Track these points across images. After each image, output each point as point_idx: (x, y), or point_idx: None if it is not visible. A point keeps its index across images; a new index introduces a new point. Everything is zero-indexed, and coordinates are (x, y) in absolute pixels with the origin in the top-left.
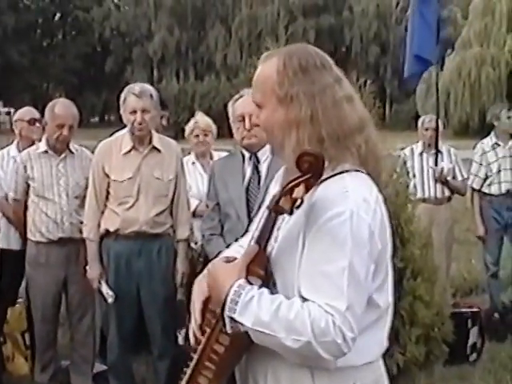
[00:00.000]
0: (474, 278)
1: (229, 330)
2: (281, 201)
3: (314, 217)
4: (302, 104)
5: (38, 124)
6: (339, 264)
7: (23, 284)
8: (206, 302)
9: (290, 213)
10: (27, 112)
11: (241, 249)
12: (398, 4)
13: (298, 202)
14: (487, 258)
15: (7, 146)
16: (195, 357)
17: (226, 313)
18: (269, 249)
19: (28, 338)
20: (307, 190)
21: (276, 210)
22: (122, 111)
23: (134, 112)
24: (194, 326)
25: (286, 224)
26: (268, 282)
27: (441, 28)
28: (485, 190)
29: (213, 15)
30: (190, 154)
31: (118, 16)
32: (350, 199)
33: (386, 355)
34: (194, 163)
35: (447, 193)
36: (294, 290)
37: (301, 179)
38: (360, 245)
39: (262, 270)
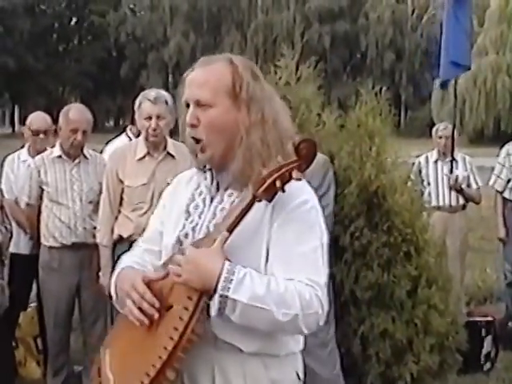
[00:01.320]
0: (489, 286)
1: (214, 312)
2: (276, 183)
3: (280, 204)
4: (264, 106)
5: (42, 136)
6: (313, 243)
7: (34, 288)
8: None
9: (274, 195)
10: (35, 121)
11: (138, 260)
12: (413, 11)
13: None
14: (506, 266)
15: (19, 149)
16: (166, 350)
17: (219, 292)
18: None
19: (40, 343)
20: (300, 172)
21: (267, 192)
22: (136, 117)
23: (149, 118)
24: (141, 301)
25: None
26: None
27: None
28: (506, 195)
29: (228, 21)
30: None
31: (133, 21)
32: (308, 191)
33: (400, 364)
34: None
35: (462, 201)
36: None
37: (297, 163)
38: (323, 229)
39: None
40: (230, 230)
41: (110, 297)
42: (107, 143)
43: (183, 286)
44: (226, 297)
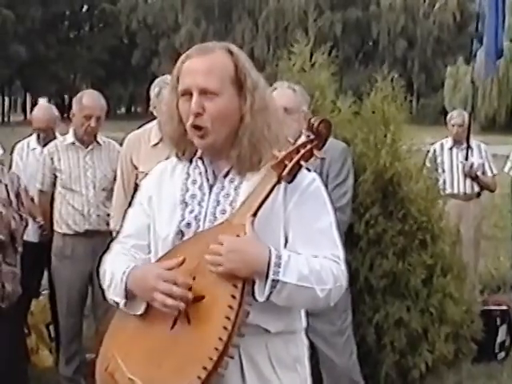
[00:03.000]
0: (502, 274)
1: (264, 297)
2: (302, 162)
3: (292, 186)
4: (264, 92)
5: (42, 134)
6: (328, 219)
7: (46, 276)
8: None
9: (292, 180)
10: (35, 118)
11: (129, 258)
12: None
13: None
14: None
15: (28, 137)
16: (222, 341)
17: (271, 277)
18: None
19: (53, 330)
20: (319, 150)
21: (288, 176)
22: (154, 103)
23: None
24: (171, 287)
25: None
26: None
27: (469, 22)
28: None
29: (240, 8)
30: None
31: (144, 8)
32: (309, 172)
33: (415, 353)
34: None
35: (476, 189)
36: None
37: (315, 142)
38: (331, 206)
39: None
40: (255, 214)
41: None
42: (138, 128)
43: (217, 275)
44: (277, 281)
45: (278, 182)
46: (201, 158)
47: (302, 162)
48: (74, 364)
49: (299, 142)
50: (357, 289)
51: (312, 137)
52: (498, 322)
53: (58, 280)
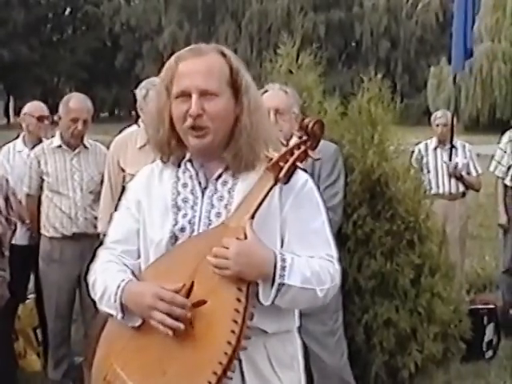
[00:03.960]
0: (488, 274)
1: (270, 300)
2: (298, 163)
3: (287, 188)
4: (256, 95)
5: (46, 121)
6: (321, 220)
7: (32, 279)
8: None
9: (289, 179)
10: (37, 108)
11: (119, 265)
12: None
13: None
14: (505, 254)
15: (13, 140)
16: (231, 345)
17: (277, 280)
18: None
19: (40, 334)
20: (313, 151)
21: (285, 178)
22: (141, 105)
23: None
24: (170, 308)
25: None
26: None
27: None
28: (508, 182)
29: (223, 10)
30: None
31: (127, 11)
32: (302, 172)
33: (404, 353)
34: None
35: (462, 188)
36: None
37: (309, 143)
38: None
39: None
40: (253, 216)
41: None
42: (120, 132)
43: (218, 278)
44: (283, 284)
45: (275, 183)
46: (190, 160)
47: (298, 164)
48: (62, 368)
49: (293, 143)
50: (345, 289)
51: (305, 138)
52: (486, 321)
53: (46, 283)
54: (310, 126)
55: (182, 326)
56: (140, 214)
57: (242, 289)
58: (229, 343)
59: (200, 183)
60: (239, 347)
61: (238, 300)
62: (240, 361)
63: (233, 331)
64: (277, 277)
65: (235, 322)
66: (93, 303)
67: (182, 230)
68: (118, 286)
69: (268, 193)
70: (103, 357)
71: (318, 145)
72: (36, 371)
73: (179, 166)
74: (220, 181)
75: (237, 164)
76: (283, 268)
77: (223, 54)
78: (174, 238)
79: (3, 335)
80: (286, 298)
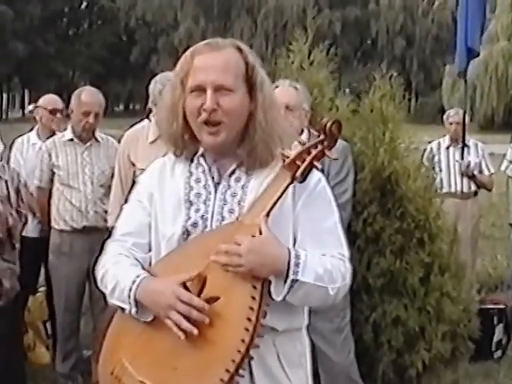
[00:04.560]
0: (500, 273)
1: (282, 297)
2: (315, 162)
3: (300, 186)
4: (271, 92)
5: (59, 115)
6: (333, 219)
7: (43, 273)
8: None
9: (304, 180)
10: (50, 101)
11: (129, 258)
12: None
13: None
14: None
15: (27, 132)
16: (244, 342)
17: (291, 277)
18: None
19: (49, 327)
20: (330, 150)
21: (302, 177)
22: (155, 100)
23: None
24: (189, 310)
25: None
26: None
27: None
28: None
29: (239, 6)
30: None
31: (143, 5)
32: (315, 171)
33: (412, 351)
34: None
35: (474, 187)
36: None
37: (326, 142)
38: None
39: None
40: (268, 214)
41: None
42: (131, 126)
43: (231, 275)
44: (296, 280)
45: (292, 182)
46: (203, 155)
47: (315, 163)
48: (70, 361)
49: (310, 142)
50: (354, 287)
51: (323, 137)
52: (495, 321)
53: (56, 277)
54: (329, 125)
55: (195, 331)
56: (152, 207)
57: (257, 286)
58: (242, 341)
59: (213, 178)
60: (252, 345)
61: (253, 298)
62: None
63: (246, 329)
64: (290, 273)
65: (249, 319)
66: (102, 296)
67: (195, 225)
68: (134, 282)
69: (284, 191)
70: (111, 351)
71: (334, 145)
72: (44, 364)
73: (192, 160)
74: (233, 177)
75: (251, 161)
76: (297, 264)
77: (239, 50)
78: (187, 233)
79: (13, 327)
80: (298, 294)
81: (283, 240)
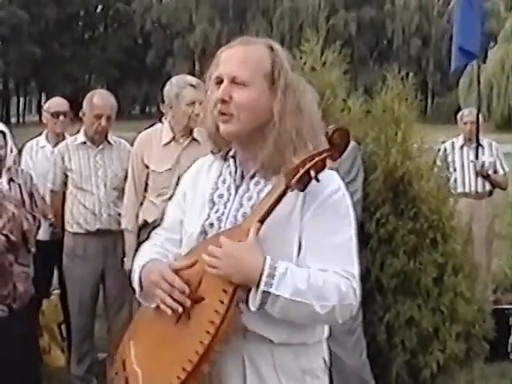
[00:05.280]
0: None
1: (254, 307)
2: (311, 172)
3: (311, 193)
4: (300, 95)
5: (61, 117)
6: (346, 234)
7: (56, 275)
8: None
9: (304, 188)
10: (54, 104)
11: (160, 250)
12: None
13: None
14: None
15: (36, 136)
16: (203, 344)
17: (262, 288)
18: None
19: (64, 330)
20: (333, 161)
21: (299, 183)
22: (171, 103)
23: (193, 103)
24: (171, 289)
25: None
26: None
27: (484, 20)
28: None
29: (254, 7)
30: None
31: (159, 8)
32: (337, 179)
33: (426, 352)
34: None
35: (488, 187)
36: None
37: (329, 152)
38: (353, 217)
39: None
40: (262, 221)
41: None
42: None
43: (216, 278)
44: (269, 293)
45: (286, 189)
46: (233, 156)
47: (312, 172)
48: (85, 363)
49: (316, 150)
50: (367, 288)
51: (327, 147)
52: (511, 321)
53: (70, 279)
54: (330, 134)
55: (180, 309)
56: (185, 205)
57: (228, 291)
58: (201, 343)
59: (235, 180)
60: (213, 349)
61: (221, 302)
62: (244, 366)
63: (208, 332)
64: (262, 284)
65: (212, 322)
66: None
67: (211, 225)
68: (143, 266)
69: (279, 198)
70: (127, 335)
71: (341, 153)
72: (60, 366)
73: (226, 160)
74: (253, 181)
75: (265, 166)
76: (272, 276)
77: (271, 48)
78: (204, 232)
79: (28, 330)
80: (276, 308)
81: (286, 248)
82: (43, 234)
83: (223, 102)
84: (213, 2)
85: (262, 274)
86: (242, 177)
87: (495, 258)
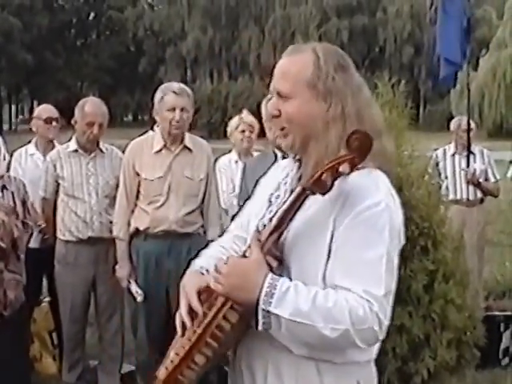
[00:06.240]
0: (508, 280)
1: (260, 326)
2: (323, 176)
3: (349, 204)
4: (346, 99)
5: (54, 123)
6: (378, 251)
7: (45, 282)
8: (199, 294)
9: (328, 190)
10: (45, 110)
11: (223, 249)
12: (432, 4)
13: (329, 182)
14: None
15: (25, 144)
16: (195, 334)
17: (261, 306)
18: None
19: (56, 337)
20: (352, 168)
21: (315, 186)
22: (157, 109)
23: (173, 109)
24: (183, 310)
25: (304, 209)
26: (282, 263)
27: (475, 28)
28: None
29: (246, 15)
30: (229, 152)
31: (151, 16)
32: (382, 192)
33: (417, 359)
34: (236, 162)
35: (479, 195)
36: (317, 276)
37: (348, 157)
38: (394, 235)
39: (278, 252)
40: (278, 228)
41: (128, 290)
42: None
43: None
44: (268, 311)
45: (303, 191)
46: (300, 160)
47: (324, 176)
48: (77, 371)
49: (340, 156)
50: None
51: (346, 152)
52: (502, 328)
53: (61, 287)
54: (352, 140)
55: (189, 324)
56: (254, 203)
57: (236, 308)
58: (194, 332)
59: (292, 183)
60: (203, 340)
61: (204, 314)
62: (266, 373)
63: (189, 339)
64: (260, 303)
65: (194, 332)
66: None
67: (264, 226)
68: (188, 272)
69: (295, 201)
70: None
71: (362, 160)
72: (51, 374)
73: (296, 162)
74: None
75: (310, 174)
76: (271, 295)
77: (316, 55)
78: (258, 232)
79: (19, 338)
80: (282, 329)
81: (312, 256)
82: (32, 242)
83: (274, 116)
84: (205, 9)
85: (260, 293)
86: (299, 180)
87: (487, 265)
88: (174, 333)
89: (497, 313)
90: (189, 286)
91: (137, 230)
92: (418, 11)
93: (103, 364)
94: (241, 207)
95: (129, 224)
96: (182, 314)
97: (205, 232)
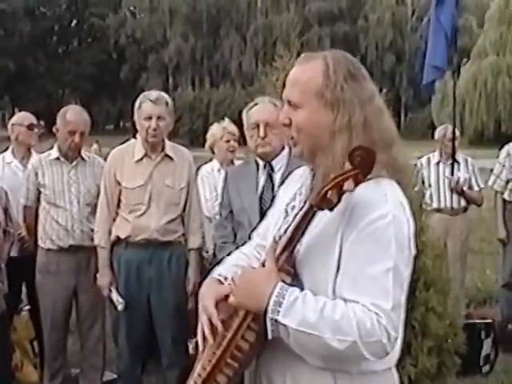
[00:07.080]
0: (488, 288)
1: (270, 335)
2: (328, 194)
3: (355, 218)
4: (354, 109)
5: (36, 130)
6: (385, 265)
7: (24, 291)
8: (217, 304)
9: (335, 205)
10: (26, 117)
11: (244, 256)
12: (413, 12)
13: (334, 200)
14: (505, 268)
15: (2, 152)
16: (216, 355)
17: (269, 315)
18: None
19: (37, 346)
20: (356, 184)
21: (321, 203)
22: (136, 117)
23: (149, 118)
24: (205, 325)
25: (315, 223)
26: (295, 279)
27: (457, 36)
28: (506, 197)
29: (228, 23)
30: (210, 161)
31: (133, 23)
32: (390, 203)
33: (398, 366)
34: (219, 170)
35: (463, 203)
36: (328, 290)
37: (352, 173)
38: (402, 247)
39: (290, 267)
40: (288, 245)
41: (109, 298)
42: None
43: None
44: (276, 320)
45: (311, 208)
46: (313, 169)
47: (330, 193)
48: (58, 379)
49: (345, 171)
50: None
51: (350, 167)
52: (483, 336)
53: (43, 295)
54: (355, 155)
55: (211, 340)
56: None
57: (239, 313)
58: (214, 353)
59: (306, 194)
60: (223, 360)
61: (226, 322)
62: (285, 378)
63: (220, 344)
64: (268, 311)
65: (224, 337)
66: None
67: (280, 237)
68: (206, 281)
69: (304, 218)
70: None
71: (365, 176)
72: (32, 382)
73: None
74: None
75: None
76: (279, 304)
77: (325, 63)
78: (275, 242)
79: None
80: (290, 339)
81: (322, 270)
82: (12, 250)
83: (284, 125)
84: (187, 17)
85: (269, 302)
86: (312, 191)
87: (468, 272)
88: (154, 340)
89: (478, 320)
90: (207, 298)
91: (118, 239)
92: (400, 19)
93: (85, 372)
94: (221, 215)
95: (110, 232)
96: (204, 330)
97: (186, 240)
